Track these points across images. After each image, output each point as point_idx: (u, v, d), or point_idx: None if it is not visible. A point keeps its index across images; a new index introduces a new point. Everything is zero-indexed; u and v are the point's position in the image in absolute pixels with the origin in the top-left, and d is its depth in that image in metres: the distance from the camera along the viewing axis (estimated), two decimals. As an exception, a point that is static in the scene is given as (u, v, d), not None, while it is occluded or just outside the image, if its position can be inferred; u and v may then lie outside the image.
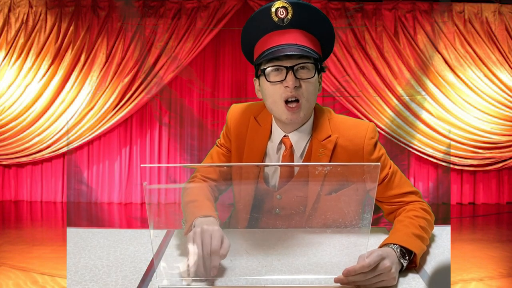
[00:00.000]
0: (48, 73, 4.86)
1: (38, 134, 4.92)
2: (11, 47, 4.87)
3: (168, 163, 5.38)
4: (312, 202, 1.21)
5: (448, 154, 4.96)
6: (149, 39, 4.90)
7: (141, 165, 5.24)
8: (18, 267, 2.86)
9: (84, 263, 1.07)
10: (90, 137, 4.96)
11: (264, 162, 1.31)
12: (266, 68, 1.20)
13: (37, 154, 4.97)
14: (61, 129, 4.92)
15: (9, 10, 4.89)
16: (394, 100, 4.96)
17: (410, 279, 1.00)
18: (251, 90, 1.32)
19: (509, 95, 4.94)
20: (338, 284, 0.96)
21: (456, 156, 5.00)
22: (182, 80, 5.10)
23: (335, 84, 4.95)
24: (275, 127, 1.29)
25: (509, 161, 5.02)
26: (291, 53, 1.15)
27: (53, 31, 4.89)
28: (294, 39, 1.18)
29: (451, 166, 5.01)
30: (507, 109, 4.95)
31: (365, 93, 4.95)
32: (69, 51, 4.89)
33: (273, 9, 1.17)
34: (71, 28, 4.90)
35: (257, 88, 1.29)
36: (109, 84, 4.88)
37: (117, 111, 4.93)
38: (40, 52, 4.86)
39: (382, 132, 4.95)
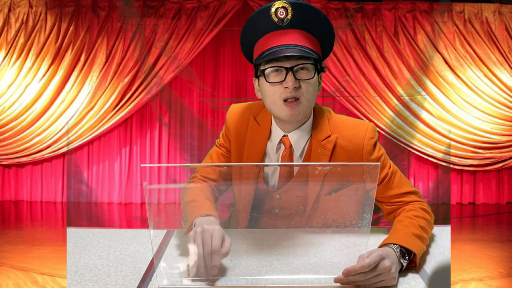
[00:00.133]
0: (48, 73, 4.86)
1: (38, 134, 4.92)
2: (11, 47, 4.87)
3: (168, 163, 5.38)
4: (312, 202, 1.21)
5: (448, 154, 4.96)
6: (149, 39, 4.90)
7: (141, 165, 5.24)
8: (18, 267, 2.86)
9: (84, 263, 1.07)
10: (90, 137, 4.96)
11: (264, 162, 1.31)
12: (265, 68, 1.19)
13: (37, 154, 4.97)
14: (61, 129, 4.92)
15: (9, 10, 4.89)
16: (394, 100, 4.96)
17: (410, 279, 1.00)
18: (251, 90, 1.32)
19: (509, 95, 4.94)
20: (338, 284, 0.96)
21: (456, 156, 5.00)
22: (182, 80, 5.10)
23: (335, 84, 4.95)
24: (275, 127, 1.29)
25: (509, 161, 5.02)
26: (290, 54, 1.15)
27: (53, 31, 4.89)
28: (294, 40, 1.17)
29: (451, 166, 5.01)
30: (507, 109, 4.95)
31: (365, 93, 4.95)
32: (69, 51, 4.89)
33: (272, 9, 1.17)
34: (71, 28, 4.90)
35: (257, 88, 1.29)
36: (109, 84, 4.88)
37: (117, 111, 4.93)
38: (40, 52, 4.87)
39: (382, 132, 4.95)
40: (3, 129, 4.90)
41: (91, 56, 4.89)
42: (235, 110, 1.38)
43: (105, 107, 4.90)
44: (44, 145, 4.93)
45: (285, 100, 1.19)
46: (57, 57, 4.87)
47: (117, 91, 4.88)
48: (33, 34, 4.87)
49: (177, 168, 5.22)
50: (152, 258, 1.06)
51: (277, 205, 1.26)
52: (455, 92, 4.94)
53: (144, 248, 1.16)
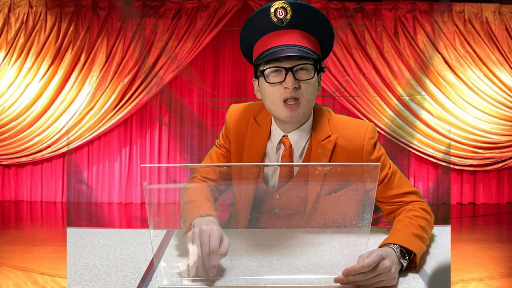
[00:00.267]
0: (48, 73, 4.86)
1: (38, 134, 4.92)
2: (11, 47, 4.87)
3: (168, 163, 5.38)
4: (312, 202, 1.21)
5: (448, 154, 4.96)
6: (149, 39, 4.90)
7: (141, 165, 5.24)
8: (18, 267, 2.86)
9: (84, 263, 1.07)
10: (90, 137, 4.96)
11: (264, 162, 1.31)
12: (265, 69, 1.19)
13: (37, 154, 4.97)
14: (61, 129, 4.92)
15: (9, 10, 4.89)
16: (394, 100, 4.96)
17: (410, 279, 1.00)
18: (251, 90, 1.32)
19: (509, 95, 4.94)
20: (338, 284, 0.96)
21: (456, 156, 5.00)
22: (182, 80, 5.10)
23: (335, 84, 4.95)
24: (275, 127, 1.29)
25: (509, 161, 5.02)
26: (290, 54, 1.15)
27: (53, 31, 4.89)
28: (293, 40, 1.17)
29: (451, 166, 5.01)
30: (507, 109, 4.95)
31: (365, 93, 4.95)
32: (69, 51, 4.89)
33: (272, 10, 1.17)
34: (71, 28, 4.90)
35: (256, 88, 1.28)
36: (109, 84, 4.88)
37: (117, 111, 4.93)
38: (40, 52, 4.87)
39: (382, 132, 4.95)
40: (3, 129, 4.90)
41: (91, 56, 4.89)
42: (234, 110, 1.38)
43: (105, 107, 4.90)
44: (44, 145, 4.93)
45: (285, 101, 1.19)
46: (57, 57, 4.87)
47: (117, 91, 4.88)
48: (33, 34, 4.87)
49: (177, 168, 5.22)
50: (152, 258, 1.06)
51: (277, 205, 1.26)
52: (455, 92, 4.94)
53: (144, 248, 1.16)
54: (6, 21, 4.88)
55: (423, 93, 4.95)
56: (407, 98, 4.94)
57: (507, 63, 4.93)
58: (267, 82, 1.20)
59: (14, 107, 4.88)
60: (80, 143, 4.97)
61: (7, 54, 4.86)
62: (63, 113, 4.91)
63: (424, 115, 4.97)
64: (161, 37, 4.89)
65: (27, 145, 4.93)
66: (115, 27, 4.91)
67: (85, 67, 4.89)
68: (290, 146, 1.27)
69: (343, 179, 1.15)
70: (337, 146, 1.24)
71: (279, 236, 1.19)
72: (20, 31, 4.88)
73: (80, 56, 4.90)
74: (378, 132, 1.50)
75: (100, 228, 1.31)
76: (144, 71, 4.90)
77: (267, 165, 1.31)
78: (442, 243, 1.21)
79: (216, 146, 1.42)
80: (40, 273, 2.75)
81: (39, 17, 4.90)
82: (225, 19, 4.88)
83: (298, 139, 1.27)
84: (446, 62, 4.94)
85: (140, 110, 5.06)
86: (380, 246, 1.06)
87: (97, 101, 4.88)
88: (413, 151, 5.03)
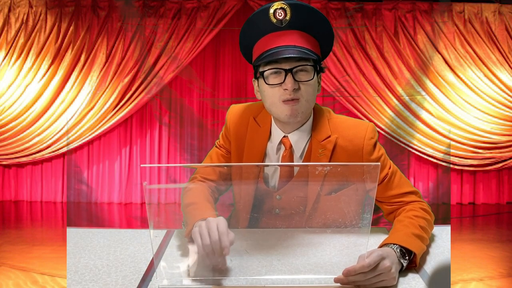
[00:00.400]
0: (48, 73, 4.86)
1: (38, 134, 4.92)
2: (11, 47, 4.87)
3: (168, 163, 5.38)
4: (312, 202, 1.21)
5: (448, 154, 4.96)
6: (149, 39, 4.90)
7: (141, 165, 5.24)
8: (18, 267, 2.86)
9: (84, 263, 1.07)
10: (90, 137, 4.96)
11: (264, 162, 1.31)
12: (265, 70, 1.19)
13: (37, 154, 4.97)
14: (61, 129, 4.92)
15: (9, 10, 4.89)
16: (394, 100, 4.96)
17: (410, 279, 1.01)
18: (251, 90, 1.32)
19: (509, 95, 4.94)
20: (338, 284, 0.96)
21: (456, 156, 5.00)
22: (182, 80, 5.10)
23: (335, 84, 4.95)
24: (275, 128, 1.29)
25: (509, 161, 5.02)
26: (289, 55, 1.15)
27: (53, 31, 4.89)
28: (293, 41, 1.17)
29: (451, 166, 5.01)
30: (507, 109, 4.95)
31: (365, 93, 4.95)
32: (69, 51, 4.89)
33: (271, 11, 1.16)
34: (71, 28, 4.90)
35: (256, 89, 1.28)
36: (109, 84, 4.88)
37: (117, 111, 4.93)
38: (40, 52, 4.87)
39: (382, 132, 4.95)
40: (3, 129, 4.90)
41: (91, 56, 4.89)
42: (234, 110, 1.38)
43: (105, 107, 4.90)
44: (44, 145, 4.93)
45: (284, 102, 1.19)
46: (57, 57, 4.87)
47: (117, 91, 4.88)
48: (33, 34, 4.87)
49: (177, 168, 5.22)
50: (152, 258, 1.06)
51: (277, 205, 1.26)
52: (455, 92, 4.94)
53: (144, 248, 1.16)
54: (6, 21, 4.88)
55: (423, 93, 4.95)
56: (407, 98, 4.94)
57: (507, 63, 4.93)
58: (266, 83, 1.20)
59: (14, 107, 4.88)
60: (80, 143, 4.97)
61: (7, 54, 4.86)
62: (63, 113, 4.91)
63: (424, 115, 4.97)
64: (161, 37, 4.89)
65: (27, 145, 4.93)
66: (115, 27, 4.91)
67: (85, 67, 4.89)
68: (291, 146, 1.27)
69: (343, 179, 1.15)
70: (337, 146, 1.24)
71: (279, 236, 1.19)
72: (20, 31, 4.88)
73: (80, 56, 4.90)
74: (378, 132, 1.50)
75: (100, 228, 1.31)
76: (144, 71, 4.90)
77: (267, 165, 1.31)
78: (442, 243, 1.21)
79: (216, 146, 1.42)
80: (40, 273, 2.75)
81: (39, 17, 4.90)
82: (225, 19, 4.88)
83: (298, 140, 1.27)
84: (446, 62, 4.94)
85: (140, 110, 5.06)
86: (380, 246, 1.06)
87: (97, 101, 4.88)
88: (413, 151, 5.03)
